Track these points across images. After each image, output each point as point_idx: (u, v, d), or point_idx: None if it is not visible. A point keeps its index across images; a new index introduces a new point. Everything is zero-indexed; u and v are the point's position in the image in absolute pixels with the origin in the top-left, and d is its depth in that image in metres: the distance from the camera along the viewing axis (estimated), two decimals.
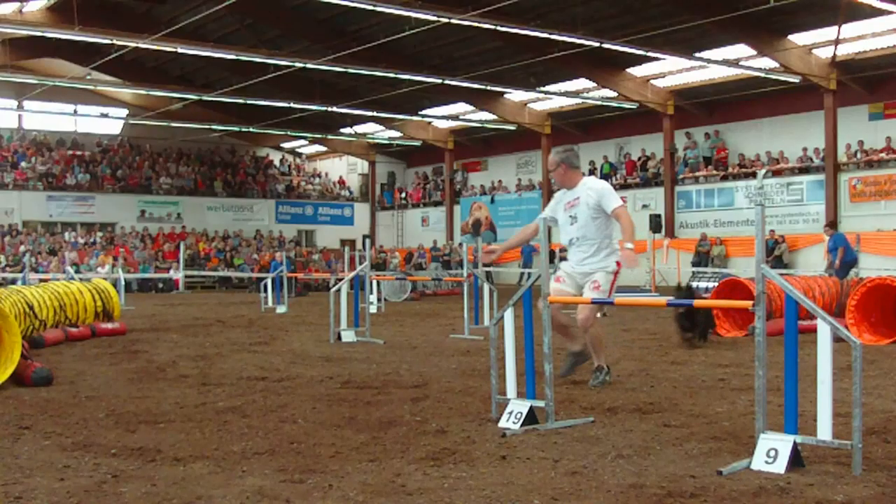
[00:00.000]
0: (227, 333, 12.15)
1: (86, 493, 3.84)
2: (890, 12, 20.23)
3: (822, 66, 24.05)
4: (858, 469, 4.05)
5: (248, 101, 29.90)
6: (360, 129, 37.84)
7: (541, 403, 5.27)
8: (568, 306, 7.48)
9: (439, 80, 26.16)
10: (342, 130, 37.62)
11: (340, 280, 13.31)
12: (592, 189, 6.72)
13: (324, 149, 42.54)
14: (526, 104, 32.09)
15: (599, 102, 28.85)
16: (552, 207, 7.04)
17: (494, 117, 32.32)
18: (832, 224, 19.03)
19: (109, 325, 11.76)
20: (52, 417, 5.66)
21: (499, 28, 21.03)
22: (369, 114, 32.44)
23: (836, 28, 22.26)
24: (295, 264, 28.60)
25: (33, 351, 8.84)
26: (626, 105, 28.27)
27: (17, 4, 23.18)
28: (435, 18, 20.13)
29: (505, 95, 31.08)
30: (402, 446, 4.74)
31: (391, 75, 25.90)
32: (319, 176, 43.51)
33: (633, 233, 6.52)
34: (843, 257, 16.23)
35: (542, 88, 28.81)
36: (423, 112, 33.38)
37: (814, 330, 4.20)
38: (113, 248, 31.63)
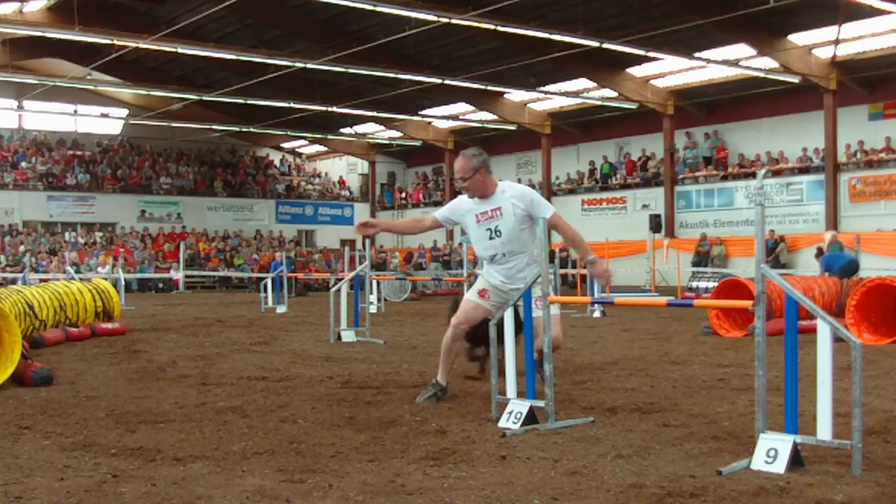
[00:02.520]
0: (227, 333, 12.15)
1: (86, 493, 3.84)
2: (890, 12, 20.24)
3: (822, 66, 24.05)
4: (858, 469, 4.05)
5: (248, 101, 29.92)
6: (360, 129, 37.85)
7: (541, 403, 5.27)
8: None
9: (439, 80, 26.17)
10: (342, 130, 37.63)
11: (340, 280, 13.31)
12: (517, 197, 5.88)
13: (324, 149, 42.55)
14: (526, 104, 32.09)
15: (599, 102, 28.85)
16: (456, 213, 6.15)
17: (494, 117, 32.32)
18: (821, 251, 19.14)
19: (109, 325, 11.76)
20: (52, 417, 5.66)
21: (499, 28, 21.04)
22: (369, 114, 32.44)
23: (836, 28, 22.26)
24: (295, 264, 28.60)
25: (33, 351, 8.84)
26: (626, 105, 28.28)
27: (17, 4, 23.17)
28: (435, 18, 20.14)
29: (505, 95, 31.08)
30: (402, 446, 4.74)
31: (391, 75, 25.91)
32: (319, 176, 43.52)
33: (584, 240, 6.04)
34: (832, 269, 16.12)
35: (542, 88, 28.81)
36: (423, 112, 33.39)
37: (814, 330, 4.20)
38: (113, 248, 31.63)
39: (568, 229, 5.96)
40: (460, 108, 32.95)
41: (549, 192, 33.06)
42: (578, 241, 6.03)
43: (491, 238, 5.94)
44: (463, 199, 6.12)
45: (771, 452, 4.18)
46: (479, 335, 6.49)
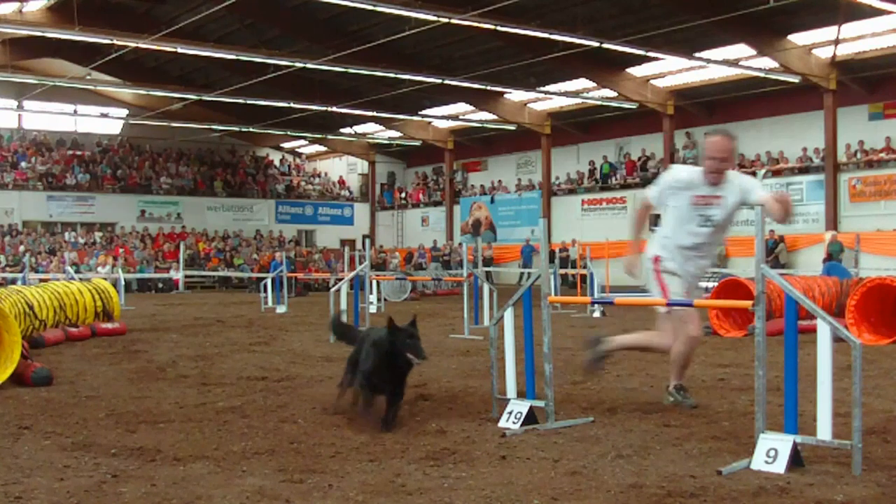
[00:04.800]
0: (227, 333, 12.15)
1: (86, 493, 3.84)
2: (890, 12, 20.23)
3: (822, 66, 24.04)
4: (858, 469, 4.06)
5: (248, 101, 29.90)
6: (360, 129, 37.84)
7: (541, 403, 5.27)
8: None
9: (439, 80, 26.16)
10: (342, 130, 37.62)
11: (340, 280, 13.30)
12: (739, 186, 5.45)
13: (324, 149, 42.54)
14: (526, 104, 32.08)
15: (599, 102, 28.84)
16: (664, 191, 5.63)
17: (494, 117, 32.32)
18: (829, 256, 19.15)
19: (109, 325, 11.76)
20: (52, 417, 5.66)
21: (499, 28, 21.03)
22: (369, 114, 32.44)
23: (836, 28, 22.25)
24: (295, 264, 28.59)
25: (33, 351, 8.84)
26: (626, 105, 28.27)
27: (17, 4, 23.17)
28: (435, 18, 20.13)
29: (505, 95, 31.08)
30: (402, 446, 4.74)
31: (391, 75, 25.91)
32: (319, 176, 43.52)
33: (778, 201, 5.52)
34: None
35: (542, 88, 28.80)
36: (423, 112, 33.38)
37: (814, 330, 4.21)
38: (113, 248, 31.63)
39: (773, 203, 5.27)
40: (460, 108, 32.94)
41: (548, 192, 33.07)
42: (778, 205, 5.32)
43: (702, 225, 5.54)
44: (682, 172, 5.67)
45: (771, 452, 4.18)
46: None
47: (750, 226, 25.78)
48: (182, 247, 31.26)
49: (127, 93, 35.02)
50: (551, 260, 5.16)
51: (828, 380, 4.13)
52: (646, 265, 5.80)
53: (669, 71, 27.24)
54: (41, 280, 17.83)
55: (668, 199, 5.62)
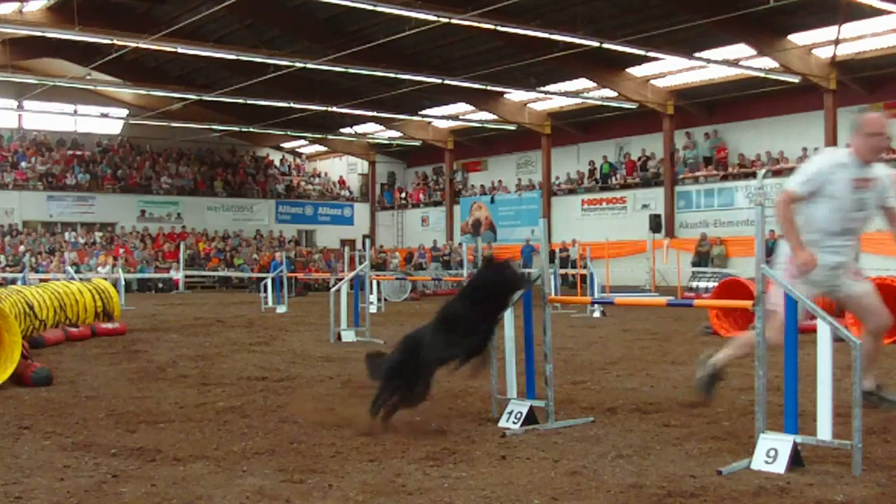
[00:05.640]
0: (227, 333, 12.15)
1: (86, 493, 3.85)
2: (890, 12, 20.22)
3: (821, 66, 24.04)
4: (858, 469, 4.06)
5: (248, 101, 29.89)
6: (360, 129, 37.83)
7: (541, 403, 5.27)
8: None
9: (439, 80, 26.15)
10: (342, 130, 37.61)
11: (340, 280, 13.30)
12: (884, 174, 5.23)
13: (324, 149, 42.54)
14: (526, 104, 32.07)
15: (599, 102, 28.83)
16: (824, 175, 5.07)
17: (494, 117, 32.31)
18: None
19: (109, 325, 11.76)
20: (52, 417, 5.66)
21: (499, 28, 21.03)
22: (369, 114, 32.43)
23: (836, 28, 22.25)
24: (295, 264, 28.59)
25: (33, 351, 8.84)
26: (626, 105, 28.26)
27: (17, 4, 23.16)
28: (435, 18, 20.13)
29: (505, 95, 31.07)
30: (402, 446, 4.74)
31: (391, 75, 25.90)
32: (319, 176, 43.52)
33: None
34: None
35: (542, 88, 28.80)
36: (423, 112, 33.37)
37: (814, 330, 4.20)
38: (113, 248, 31.63)
39: None
40: (460, 108, 32.92)
41: (548, 192, 33.06)
42: None
43: (858, 210, 5.13)
44: (831, 156, 5.30)
45: (771, 452, 4.18)
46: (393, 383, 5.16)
47: (750, 225, 25.80)
48: (182, 247, 31.26)
49: (127, 93, 35.00)
50: (551, 260, 5.07)
51: (828, 380, 4.13)
52: (779, 262, 5.38)
53: (669, 71, 27.23)
54: (41, 280, 17.84)
55: (824, 186, 5.05)
